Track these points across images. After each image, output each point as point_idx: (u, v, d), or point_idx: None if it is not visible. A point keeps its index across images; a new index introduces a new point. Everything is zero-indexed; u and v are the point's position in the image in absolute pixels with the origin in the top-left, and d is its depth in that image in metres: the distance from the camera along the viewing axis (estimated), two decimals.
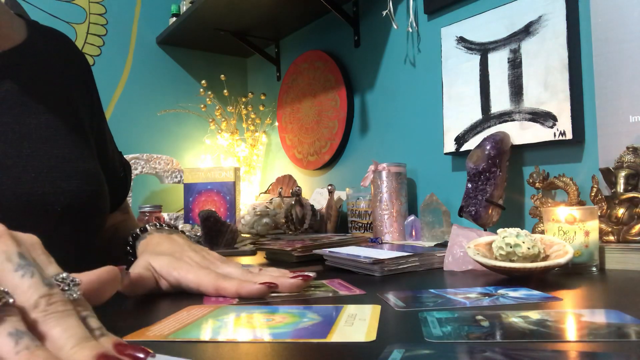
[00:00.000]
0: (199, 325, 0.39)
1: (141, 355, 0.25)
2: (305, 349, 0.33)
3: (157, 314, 0.45)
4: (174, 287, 0.52)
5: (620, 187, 0.78)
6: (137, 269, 0.52)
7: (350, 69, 1.57)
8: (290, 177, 1.72)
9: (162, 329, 0.38)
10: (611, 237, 0.75)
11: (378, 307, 0.44)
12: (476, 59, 1.12)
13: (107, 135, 0.72)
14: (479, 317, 0.40)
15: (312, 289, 0.56)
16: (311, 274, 0.54)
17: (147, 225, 0.60)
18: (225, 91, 1.89)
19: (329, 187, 1.39)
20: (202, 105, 1.86)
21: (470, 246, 0.66)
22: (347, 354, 0.32)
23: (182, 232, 0.63)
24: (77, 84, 0.66)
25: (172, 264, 0.52)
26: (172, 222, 1.64)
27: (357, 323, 0.39)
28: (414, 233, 1.14)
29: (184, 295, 0.51)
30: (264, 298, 0.49)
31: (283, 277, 0.51)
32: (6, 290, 0.25)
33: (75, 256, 0.47)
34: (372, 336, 0.35)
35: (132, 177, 1.70)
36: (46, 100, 0.59)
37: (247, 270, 0.53)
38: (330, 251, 0.78)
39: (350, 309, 0.44)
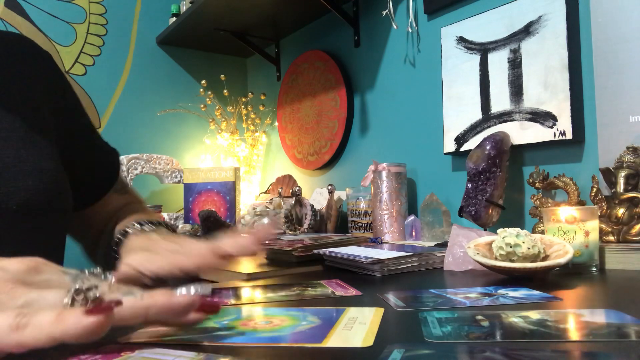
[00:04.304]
0: (197, 327, 0.39)
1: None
2: (299, 354, 0.33)
3: None
4: (155, 281, 0.52)
5: (620, 187, 0.78)
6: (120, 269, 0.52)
7: (350, 69, 1.57)
8: (290, 177, 1.72)
9: (158, 330, 0.38)
10: (611, 237, 0.75)
11: (381, 310, 0.44)
12: (476, 59, 1.12)
13: (87, 126, 0.73)
14: (479, 317, 0.40)
15: (309, 288, 0.56)
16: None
17: (126, 228, 0.60)
18: (225, 91, 1.89)
19: (329, 187, 1.38)
20: (202, 105, 1.86)
21: (470, 246, 0.66)
22: None
23: (169, 226, 0.63)
24: (39, 85, 0.66)
25: (149, 259, 0.52)
26: (171, 222, 1.64)
27: (357, 327, 0.38)
28: (414, 233, 1.14)
29: None
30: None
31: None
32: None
33: (34, 256, 0.47)
34: (370, 341, 0.34)
35: (132, 177, 1.70)
36: (3, 101, 0.60)
37: (214, 246, 0.54)
38: (330, 251, 0.78)
39: (351, 312, 0.43)
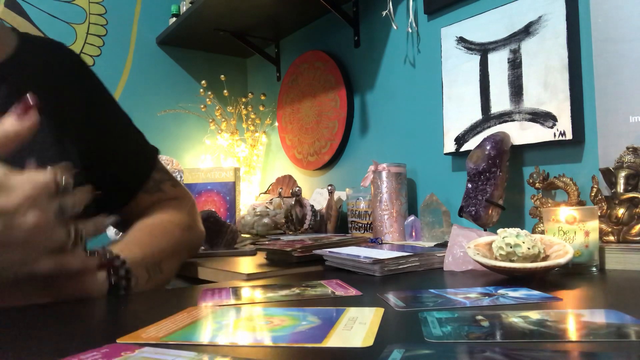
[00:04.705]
0: (197, 327, 0.39)
1: None
2: (299, 354, 0.33)
3: (156, 315, 0.45)
4: None
5: (620, 187, 0.78)
6: None
7: (350, 69, 1.57)
8: (290, 177, 1.72)
9: (157, 330, 0.38)
10: (611, 237, 0.75)
11: (381, 310, 0.44)
12: (476, 59, 1.12)
13: (110, 130, 0.74)
14: (479, 317, 0.40)
15: (309, 288, 0.56)
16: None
17: None
18: (225, 91, 1.89)
19: (329, 188, 1.38)
20: (202, 106, 1.86)
21: (470, 246, 0.66)
22: None
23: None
24: (66, 90, 0.67)
25: None
26: None
27: (357, 327, 0.38)
28: (414, 233, 1.14)
29: (183, 296, 0.51)
30: None
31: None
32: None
33: None
34: (370, 342, 0.34)
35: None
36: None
37: None
38: (330, 251, 0.78)
39: (351, 312, 0.43)
